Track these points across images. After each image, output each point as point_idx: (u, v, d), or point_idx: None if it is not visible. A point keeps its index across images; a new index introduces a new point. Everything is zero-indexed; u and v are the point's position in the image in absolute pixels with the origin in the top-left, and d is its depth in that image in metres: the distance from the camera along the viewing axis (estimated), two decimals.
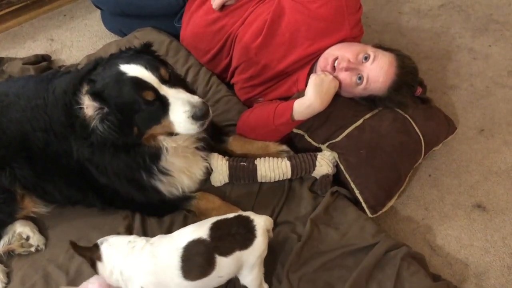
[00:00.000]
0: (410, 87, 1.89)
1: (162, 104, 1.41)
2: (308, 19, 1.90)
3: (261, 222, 1.48)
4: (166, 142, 1.54)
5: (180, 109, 1.40)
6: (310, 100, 1.79)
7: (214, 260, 1.40)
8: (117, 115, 1.39)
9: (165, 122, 1.44)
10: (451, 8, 2.77)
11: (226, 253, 1.41)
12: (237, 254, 1.42)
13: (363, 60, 1.81)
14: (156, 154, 1.54)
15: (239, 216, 1.51)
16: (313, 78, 1.81)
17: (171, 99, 1.41)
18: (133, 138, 1.45)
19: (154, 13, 2.33)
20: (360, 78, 1.81)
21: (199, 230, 1.45)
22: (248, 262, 1.45)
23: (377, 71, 1.79)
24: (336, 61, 1.83)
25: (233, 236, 1.44)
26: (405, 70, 1.84)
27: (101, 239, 1.47)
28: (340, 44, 1.89)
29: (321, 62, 1.88)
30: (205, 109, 1.40)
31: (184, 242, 1.43)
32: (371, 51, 1.82)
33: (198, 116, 1.40)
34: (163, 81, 1.42)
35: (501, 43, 2.56)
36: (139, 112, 1.40)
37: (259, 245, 1.45)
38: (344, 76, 1.81)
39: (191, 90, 1.59)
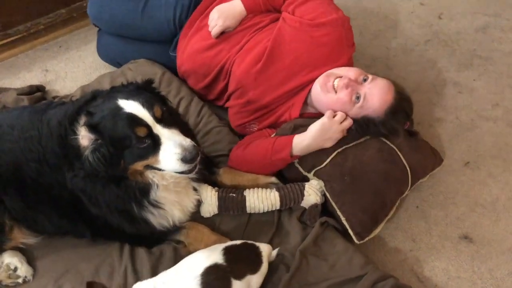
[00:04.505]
0: (406, 115, 1.93)
1: (154, 143, 1.44)
2: (310, 46, 1.96)
3: (266, 249, 1.59)
4: (156, 179, 1.56)
5: (171, 150, 1.43)
6: (310, 140, 1.83)
7: (230, 283, 1.47)
8: (109, 148, 1.41)
9: (152, 159, 1.46)
10: (437, 43, 2.86)
11: (239, 276, 1.49)
12: (248, 278, 1.50)
13: (362, 81, 1.87)
14: (145, 189, 1.56)
15: (246, 242, 1.61)
16: (323, 121, 1.83)
17: (163, 139, 1.43)
18: (119, 171, 1.48)
19: (146, 37, 2.36)
20: (358, 97, 1.85)
21: (212, 256, 1.51)
22: (253, 287, 1.53)
23: (375, 91, 1.85)
24: (337, 80, 1.88)
25: (245, 260, 1.53)
26: (402, 97, 1.90)
27: None
28: (341, 67, 1.96)
29: (322, 79, 1.92)
30: (194, 153, 1.43)
31: (200, 269, 1.48)
32: (370, 74, 1.89)
33: (187, 159, 1.43)
34: (158, 120, 1.44)
35: (485, 78, 2.64)
36: (130, 147, 1.43)
37: (264, 271, 1.56)
38: (343, 94, 1.85)
39: (186, 128, 1.64)
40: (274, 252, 1.69)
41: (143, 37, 2.38)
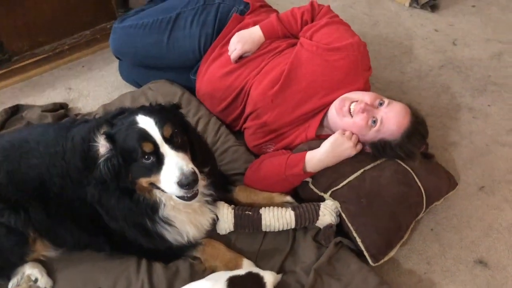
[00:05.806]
0: (422, 138, 1.97)
1: (158, 161, 1.46)
2: (326, 70, 2.01)
3: (270, 279, 1.57)
4: (164, 198, 1.60)
5: (171, 171, 1.45)
6: (322, 155, 1.88)
7: None
8: (119, 158, 1.47)
9: (154, 178, 1.49)
10: (451, 69, 2.90)
11: None
12: None
13: (379, 106, 1.91)
14: (154, 206, 1.60)
15: (250, 273, 1.59)
16: (336, 137, 1.89)
17: (167, 159, 1.46)
18: (127, 184, 1.52)
19: (171, 65, 2.43)
20: (375, 121, 1.89)
21: (216, 286, 1.52)
22: None
23: (392, 114, 1.89)
24: (353, 104, 1.92)
25: None
26: (418, 120, 1.93)
27: None
28: (357, 91, 2.00)
29: (338, 103, 1.96)
30: (191, 179, 1.43)
31: None
32: (385, 98, 1.93)
33: (183, 184, 1.44)
34: (166, 140, 1.47)
35: (499, 104, 2.66)
36: (136, 161, 1.47)
37: None
38: (359, 118, 1.89)
39: (205, 148, 1.69)
40: (279, 277, 1.70)
41: (167, 66, 2.46)
